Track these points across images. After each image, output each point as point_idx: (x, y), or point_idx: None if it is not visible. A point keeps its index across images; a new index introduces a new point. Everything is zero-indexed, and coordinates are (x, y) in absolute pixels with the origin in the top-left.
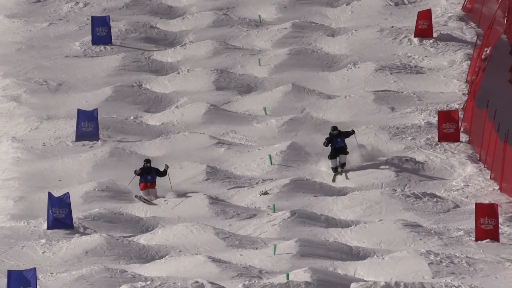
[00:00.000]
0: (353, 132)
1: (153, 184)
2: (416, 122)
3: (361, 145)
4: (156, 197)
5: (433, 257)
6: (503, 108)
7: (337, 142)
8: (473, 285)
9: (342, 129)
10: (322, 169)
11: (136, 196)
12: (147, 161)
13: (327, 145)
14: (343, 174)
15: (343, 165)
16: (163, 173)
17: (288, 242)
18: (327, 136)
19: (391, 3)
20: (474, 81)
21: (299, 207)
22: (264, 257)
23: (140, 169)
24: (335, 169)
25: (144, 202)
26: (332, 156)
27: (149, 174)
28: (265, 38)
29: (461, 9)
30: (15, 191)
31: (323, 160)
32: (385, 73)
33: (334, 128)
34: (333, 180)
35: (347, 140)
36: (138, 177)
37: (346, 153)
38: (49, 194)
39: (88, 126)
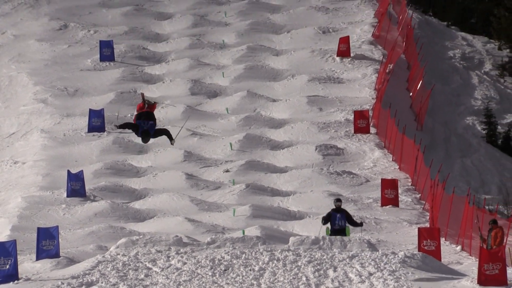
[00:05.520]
0: (361, 224)
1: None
2: (338, 119)
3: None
4: None
5: None
6: (401, 109)
7: (336, 218)
8: (379, 239)
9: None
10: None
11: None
12: None
13: (325, 224)
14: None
15: None
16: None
17: (244, 207)
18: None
19: (320, 32)
20: (380, 88)
21: (252, 181)
22: (226, 218)
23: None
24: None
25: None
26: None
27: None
28: (227, 57)
29: (371, 36)
30: (43, 169)
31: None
32: (315, 83)
33: (338, 199)
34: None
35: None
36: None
37: (346, 235)
38: (68, 172)
39: (97, 121)
